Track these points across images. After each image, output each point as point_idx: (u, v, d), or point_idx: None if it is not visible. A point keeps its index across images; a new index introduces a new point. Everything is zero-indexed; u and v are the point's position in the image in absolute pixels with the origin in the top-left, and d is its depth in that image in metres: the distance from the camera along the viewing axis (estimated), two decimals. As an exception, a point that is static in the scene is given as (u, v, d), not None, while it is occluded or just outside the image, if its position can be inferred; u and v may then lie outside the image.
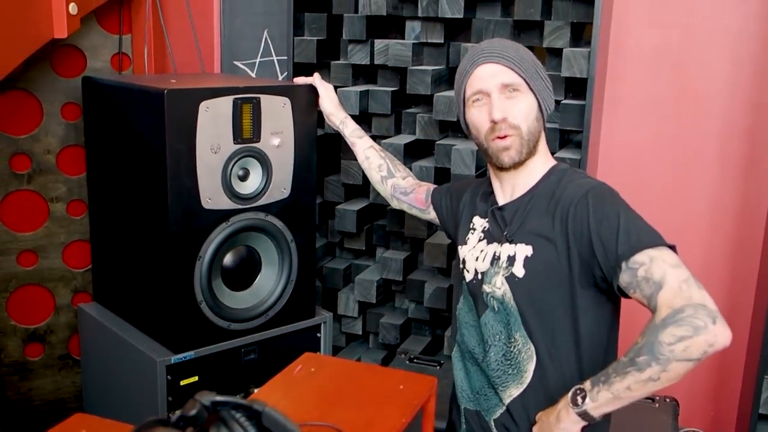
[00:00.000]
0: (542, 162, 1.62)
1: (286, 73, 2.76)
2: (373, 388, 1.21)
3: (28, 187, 2.55)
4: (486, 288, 1.57)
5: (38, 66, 2.47)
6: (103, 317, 2.33)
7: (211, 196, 2.02)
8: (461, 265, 1.70)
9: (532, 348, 1.49)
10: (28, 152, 2.52)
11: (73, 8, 2.14)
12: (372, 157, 2.12)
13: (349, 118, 2.18)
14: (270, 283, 2.23)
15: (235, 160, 2.04)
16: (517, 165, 1.58)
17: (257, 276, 2.22)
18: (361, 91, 2.64)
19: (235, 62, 2.86)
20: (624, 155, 2.63)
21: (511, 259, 1.52)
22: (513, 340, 1.52)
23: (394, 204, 2.09)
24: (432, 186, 2.01)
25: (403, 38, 2.67)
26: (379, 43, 2.61)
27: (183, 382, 2.08)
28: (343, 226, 2.76)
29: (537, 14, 2.39)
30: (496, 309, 1.55)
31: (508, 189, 1.64)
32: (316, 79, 2.20)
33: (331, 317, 2.40)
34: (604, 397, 1.28)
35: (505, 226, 1.59)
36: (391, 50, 2.57)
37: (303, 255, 2.25)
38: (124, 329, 2.22)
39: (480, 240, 1.66)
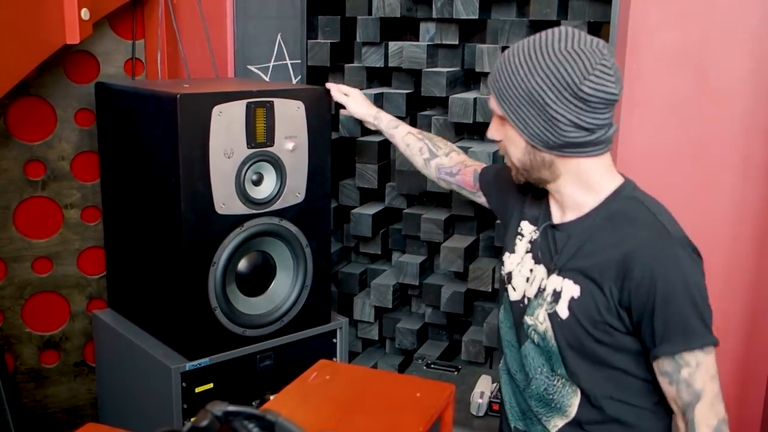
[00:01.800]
0: (585, 185, 1.40)
1: (300, 76, 2.74)
2: (390, 396, 1.18)
3: (43, 194, 2.55)
4: (528, 320, 1.45)
5: (51, 72, 2.47)
6: (117, 324, 2.31)
7: (225, 201, 2.00)
8: (506, 277, 1.56)
9: (576, 386, 1.41)
10: (42, 159, 2.52)
11: (85, 14, 2.13)
12: (411, 143, 1.98)
13: (382, 112, 2.09)
14: (285, 288, 2.20)
15: (248, 165, 2.02)
16: (531, 185, 1.47)
17: (272, 281, 2.20)
18: (375, 94, 2.61)
19: (249, 66, 2.84)
20: (643, 157, 2.59)
21: (557, 295, 1.40)
22: (555, 375, 1.43)
23: (443, 185, 1.94)
24: (480, 166, 1.83)
25: (418, 40, 2.65)
26: (393, 45, 2.59)
27: (198, 389, 2.06)
28: (359, 231, 2.73)
29: (553, 14, 2.36)
30: (536, 342, 1.45)
31: (557, 204, 1.47)
32: (333, 91, 2.15)
33: (347, 322, 2.38)
34: None
35: (555, 251, 1.44)
36: (405, 52, 2.55)
37: (318, 260, 2.23)
38: (138, 336, 2.21)
39: (527, 252, 1.51)
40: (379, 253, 2.85)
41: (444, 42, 2.54)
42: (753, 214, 2.47)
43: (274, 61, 2.81)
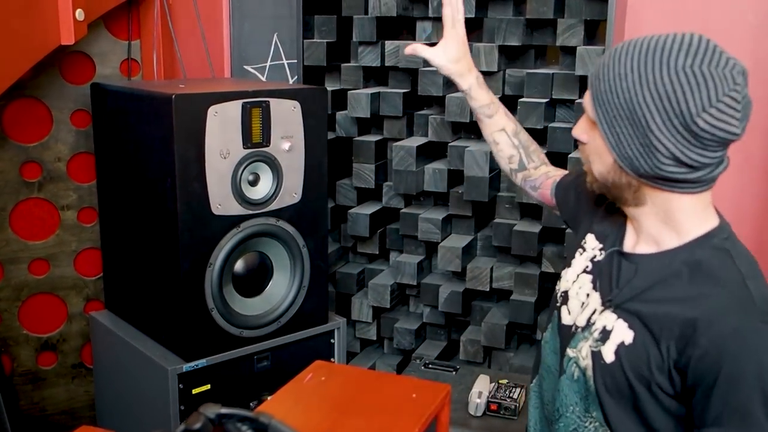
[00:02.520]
0: (669, 223, 1.21)
1: (296, 77, 2.74)
2: (385, 397, 1.18)
3: (39, 195, 2.54)
4: (570, 352, 1.30)
5: (47, 73, 2.46)
6: (114, 325, 2.31)
7: (221, 201, 1.99)
8: (561, 297, 1.39)
9: (608, 431, 1.26)
10: (38, 160, 2.51)
11: (80, 14, 2.12)
12: (502, 144, 1.65)
13: (478, 86, 1.63)
14: (282, 289, 2.20)
15: (244, 165, 2.02)
16: (606, 196, 1.29)
17: (269, 282, 2.19)
18: (372, 94, 2.61)
19: (245, 66, 2.84)
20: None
21: (606, 334, 1.23)
22: (589, 416, 1.28)
23: (532, 197, 1.70)
24: (558, 177, 1.59)
25: (414, 39, 2.64)
26: (389, 45, 2.59)
27: (195, 391, 2.05)
28: (356, 231, 2.72)
29: (550, 12, 2.35)
30: (575, 377, 1.29)
31: (634, 230, 1.29)
32: (417, 48, 1.64)
33: (345, 323, 2.37)
34: None
35: (617, 283, 1.26)
36: (401, 51, 2.54)
37: (315, 260, 2.22)
38: (135, 337, 2.20)
39: (586, 272, 1.34)
40: (377, 252, 2.85)
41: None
42: (751, 215, 2.46)
43: (271, 61, 2.80)
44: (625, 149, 1.15)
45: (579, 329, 1.29)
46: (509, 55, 2.54)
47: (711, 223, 1.21)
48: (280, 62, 2.80)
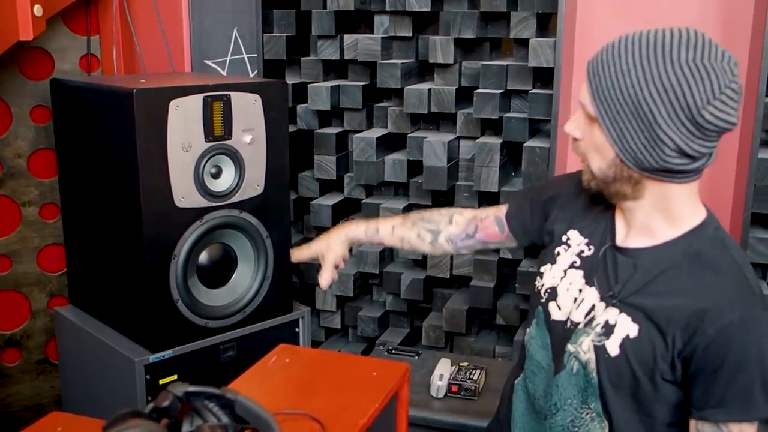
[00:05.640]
0: (667, 213, 1.24)
1: (257, 70, 2.76)
2: (347, 376, 1.23)
3: (0, 192, 2.53)
4: (570, 347, 1.32)
5: (6, 69, 2.46)
6: (80, 320, 2.32)
7: (184, 194, 2.02)
8: (548, 293, 1.40)
9: (606, 422, 1.30)
10: (-2, 157, 2.51)
11: (38, 10, 2.13)
12: (406, 236, 1.69)
13: (364, 229, 1.73)
14: (246, 279, 2.23)
15: (207, 158, 2.05)
16: (600, 194, 1.30)
17: (233, 273, 2.23)
18: (332, 86, 2.65)
19: (206, 61, 2.86)
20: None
21: (609, 328, 1.26)
22: (586, 407, 1.32)
23: (466, 252, 1.72)
24: (499, 211, 1.60)
25: (372, 33, 2.69)
26: (348, 39, 2.63)
27: (162, 381, 2.08)
28: (319, 221, 2.77)
29: (503, 6, 2.42)
30: (575, 371, 1.31)
31: (625, 223, 1.31)
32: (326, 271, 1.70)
33: (309, 312, 2.42)
34: None
35: (615, 279, 1.28)
36: (360, 45, 2.59)
37: (278, 251, 2.26)
38: (101, 331, 2.22)
39: (576, 268, 1.35)
40: (340, 243, 2.89)
41: (398, 34, 2.59)
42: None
43: (231, 56, 2.83)
44: (629, 144, 1.16)
45: (578, 325, 1.31)
46: (465, 48, 2.61)
47: (701, 213, 1.25)
48: (241, 56, 2.82)
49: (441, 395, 2.18)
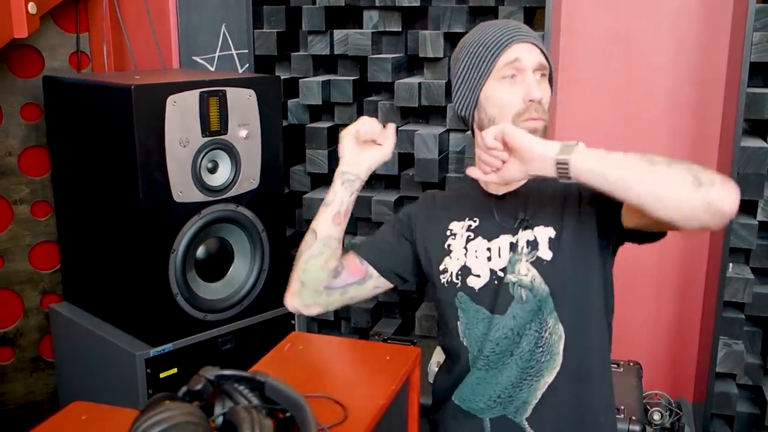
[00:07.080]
0: None
1: (246, 66, 2.78)
2: (362, 361, 1.27)
3: (-9, 190, 2.53)
4: (511, 278, 1.43)
5: (-4, 67, 2.45)
6: (76, 316, 2.33)
7: (182, 189, 2.04)
8: (460, 277, 1.48)
9: (561, 328, 1.42)
10: (-11, 155, 2.50)
11: (32, 7, 2.13)
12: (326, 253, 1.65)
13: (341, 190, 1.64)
14: (243, 273, 2.26)
15: (204, 153, 2.07)
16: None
17: (230, 266, 2.25)
18: (322, 81, 2.67)
19: (194, 57, 2.87)
20: (579, 135, 2.71)
21: (533, 244, 1.42)
22: (544, 324, 1.42)
23: (335, 299, 1.56)
24: (356, 252, 1.61)
25: (362, 28, 2.72)
26: (338, 34, 2.65)
27: (162, 375, 2.10)
28: (311, 215, 2.78)
29: (491, 0, 2.46)
30: (524, 298, 1.42)
31: (496, 188, 1.50)
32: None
33: (304, 304, 2.44)
34: (595, 153, 1.25)
35: (514, 214, 1.47)
36: (350, 40, 2.61)
37: (274, 244, 2.29)
38: (98, 326, 2.23)
39: (470, 240, 1.49)
40: (331, 236, 2.91)
41: (387, 29, 2.62)
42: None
43: (220, 52, 2.84)
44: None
45: (505, 268, 1.42)
46: (454, 42, 2.63)
47: None
48: (229, 52, 2.84)
49: (438, 383, 2.22)
